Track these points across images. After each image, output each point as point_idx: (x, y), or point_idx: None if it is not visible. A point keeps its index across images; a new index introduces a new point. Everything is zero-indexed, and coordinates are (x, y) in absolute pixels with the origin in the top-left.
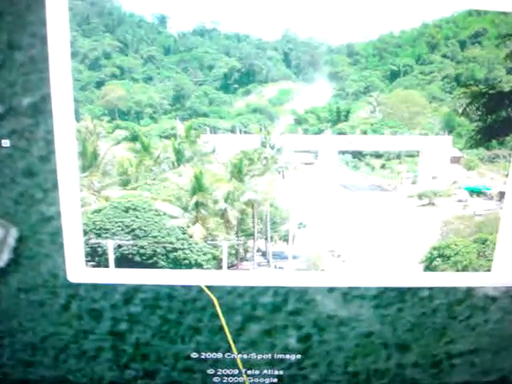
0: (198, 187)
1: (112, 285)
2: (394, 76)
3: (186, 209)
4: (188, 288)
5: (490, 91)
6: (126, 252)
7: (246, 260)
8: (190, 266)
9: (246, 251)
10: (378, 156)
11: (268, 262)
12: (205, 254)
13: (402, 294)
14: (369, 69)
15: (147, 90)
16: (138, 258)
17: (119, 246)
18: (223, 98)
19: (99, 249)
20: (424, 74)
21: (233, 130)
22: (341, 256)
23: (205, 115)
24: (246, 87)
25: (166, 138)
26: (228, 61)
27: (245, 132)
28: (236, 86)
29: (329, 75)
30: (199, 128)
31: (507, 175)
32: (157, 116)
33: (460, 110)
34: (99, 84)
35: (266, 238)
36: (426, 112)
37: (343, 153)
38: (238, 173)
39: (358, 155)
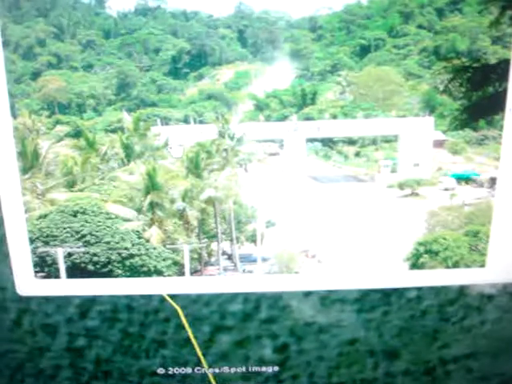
0: (152, 186)
1: (65, 297)
2: (364, 52)
3: (139, 210)
4: (148, 298)
5: (474, 64)
6: (78, 260)
7: (211, 265)
8: (149, 273)
9: (209, 255)
10: (352, 143)
11: (235, 265)
12: (164, 260)
13: (386, 295)
14: (335, 44)
15: (88, 79)
16: (91, 267)
17: (70, 255)
18: (173, 85)
19: (48, 258)
20: (398, 47)
21: (186, 120)
22: (316, 256)
23: (154, 105)
24: (197, 71)
25: (113, 132)
26: (176, 42)
27: (200, 122)
28: (187, 70)
29: (290, 53)
30: (148, 119)
31: (498, 159)
32: (101, 108)
33: (441, 88)
34: (35, 75)
35: (232, 240)
36: (403, 91)
37: (312, 141)
38: (195, 168)
39: (328, 143)
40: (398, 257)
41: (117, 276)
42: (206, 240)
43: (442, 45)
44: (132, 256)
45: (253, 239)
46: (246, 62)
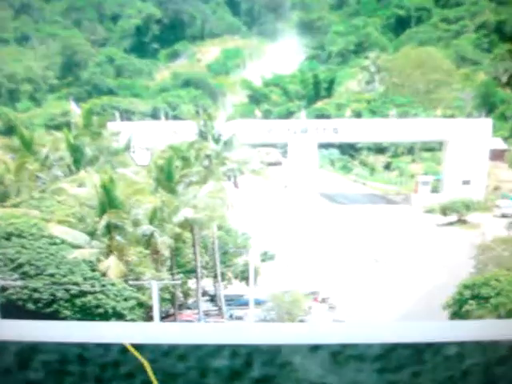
0: (109, 202)
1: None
2: (401, 26)
3: (93, 234)
4: (106, 347)
5: None
6: (14, 296)
7: (188, 308)
8: (106, 316)
9: (186, 295)
10: (380, 151)
11: (220, 309)
12: (126, 300)
13: (418, 352)
14: (362, 15)
15: (23, 56)
16: (31, 305)
17: (3, 289)
18: (138, 66)
19: None
20: (448, 21)
21: (155, 115)
22: (328, 300)
23: (111, 93)
24: (171, 47)
25: (56, 128)
26: (142, 6)
27: (174, 117)
28: (156, 45)
29: (299, 26)
30: (104, 113)
31: None
32: (40, 96)
33: (504, 78)
34: None
35: (215, 276)
36: (453, 81)
37: (326, 147)
38: (166, 180)
39: (348, 150)
40: (435, 303)
41: (65, 318)
42: (181, 276)
43: (508, 20)
44: (84, 294)
45: (244, 276)
46: (237, 37)
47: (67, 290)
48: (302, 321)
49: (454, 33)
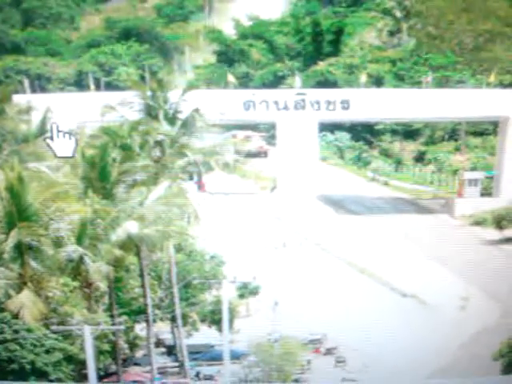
0: (19, 212)
1: None
2: None
3: None
4: None
5: None
6: None
7: (136, 364)
8: (22, 373)
9: (133, 346)
10: (409, 135)
11: (181, 365)
12: (49, 352)
13: None
14: None
15: None
16: None
17: None
18: (54, 9)
19: None
20: None
21: (80, 82)
22: (335, 351)
23: (17, 50)
24: None
25: None
26: None
27: (108, 85)
28: None
29: None
30: (7, 80)
31: None
32: None
33: None
34: None
35: (174, 319)
36: None
37: (331, 128)
38: (99, 179)
39: (364, 133)
40: (483, 351)
41: None
42: (124, 318)
43: None
44: None
45: (214, 319)
46: None
47: None
48: (297, 381)
49: None
